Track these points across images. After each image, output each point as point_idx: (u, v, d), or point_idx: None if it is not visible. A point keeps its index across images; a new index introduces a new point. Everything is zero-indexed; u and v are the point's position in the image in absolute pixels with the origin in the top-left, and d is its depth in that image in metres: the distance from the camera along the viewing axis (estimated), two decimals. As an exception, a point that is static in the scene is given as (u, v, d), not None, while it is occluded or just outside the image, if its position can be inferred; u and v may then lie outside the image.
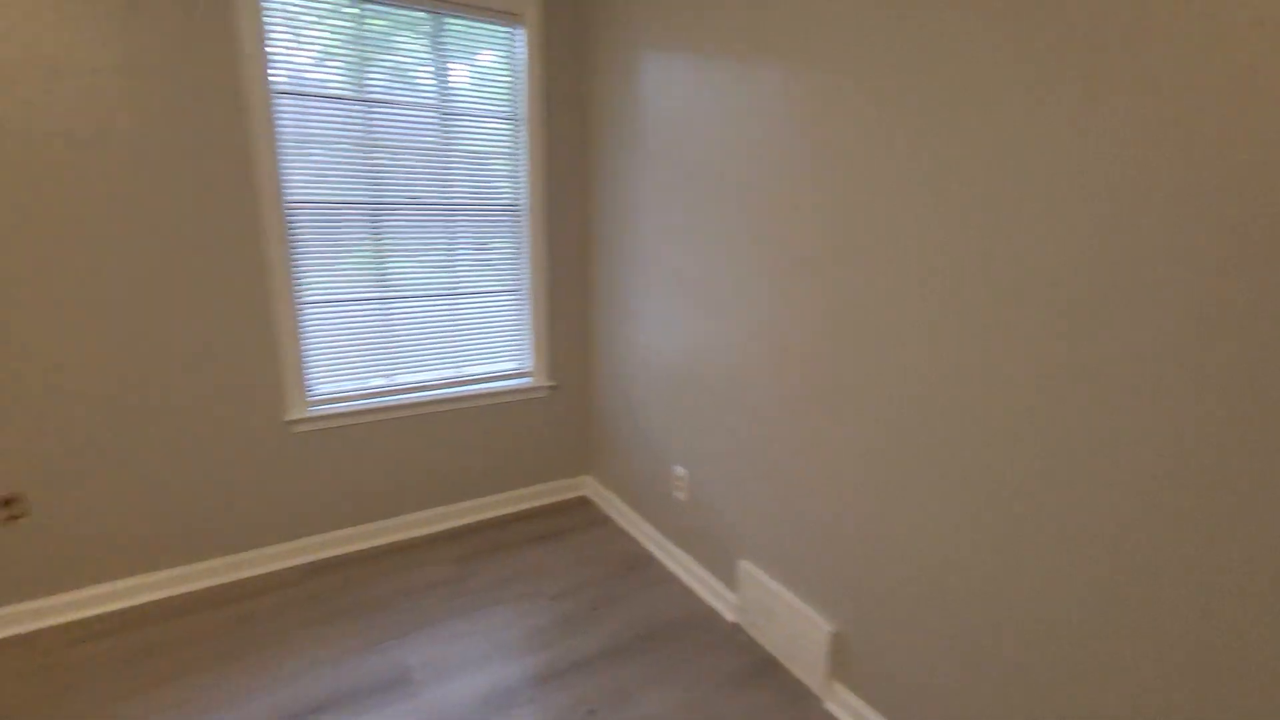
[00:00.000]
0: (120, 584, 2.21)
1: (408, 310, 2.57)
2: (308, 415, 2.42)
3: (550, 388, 2.94)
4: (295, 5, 2.16)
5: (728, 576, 2.24)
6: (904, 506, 1.59)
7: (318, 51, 2.23)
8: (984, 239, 1.34)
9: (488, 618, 2.21)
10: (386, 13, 2.31)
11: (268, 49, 2.13)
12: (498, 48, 2.53)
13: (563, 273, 2.85)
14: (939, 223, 1.42)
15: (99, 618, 2.16)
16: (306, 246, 2.34)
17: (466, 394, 2.72)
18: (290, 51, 2.18)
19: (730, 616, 2.23)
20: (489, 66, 2.54)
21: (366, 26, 2.28)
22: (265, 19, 2.11)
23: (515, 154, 2.66)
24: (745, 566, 2.12)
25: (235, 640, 2.07)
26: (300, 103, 2.22)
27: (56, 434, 2.04)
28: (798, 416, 1.86)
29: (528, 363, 2.88)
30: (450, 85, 2.47)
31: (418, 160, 2.47)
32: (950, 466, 1.47)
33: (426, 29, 2.38)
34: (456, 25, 2.43)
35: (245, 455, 2.34)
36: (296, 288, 2.34)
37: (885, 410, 1.60)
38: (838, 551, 1.79)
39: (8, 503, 2.03)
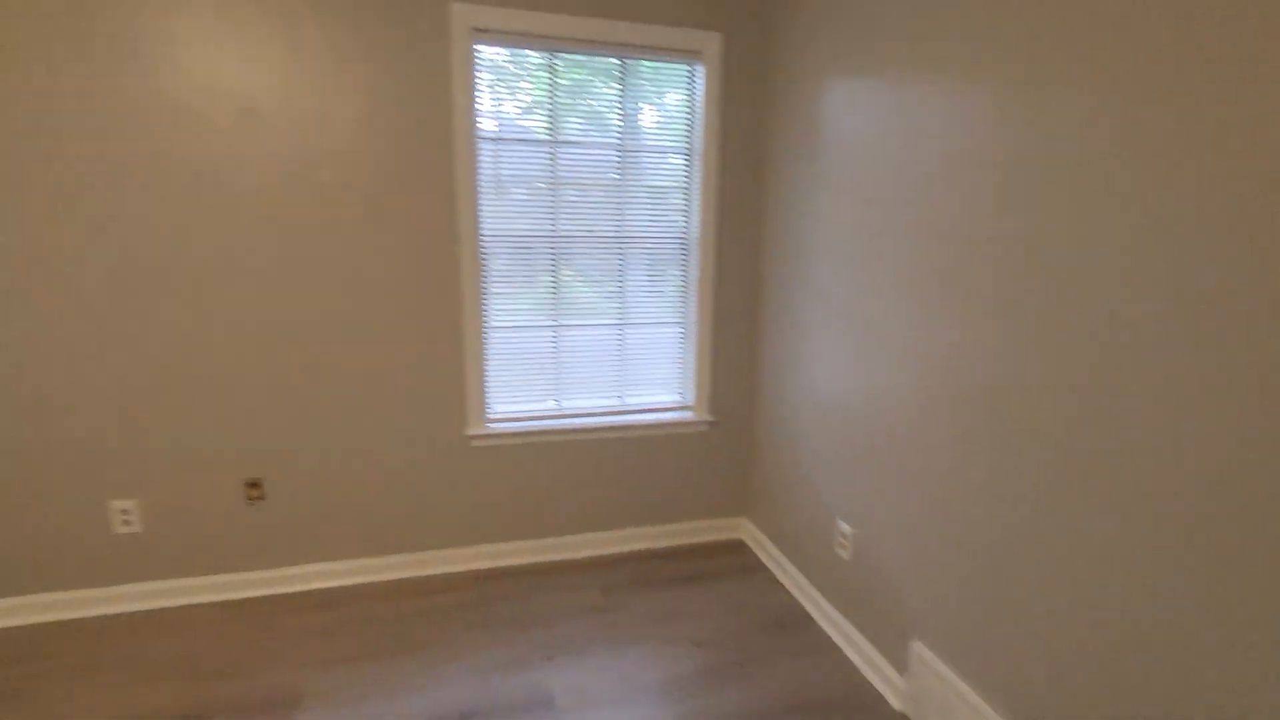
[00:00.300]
0: (326, 566, 2.54)
1: (579, 338, 2.68)
2: (485, 432, 2.60)
3: (710, 423, 2.87)
4: (500, 60, 2.40)
5: (896, 656, 1.97)
6: (1147, 608, 1.26)
7: (516, 100, 2.45)
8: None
9: (631, 654, 2.17)
10: (579, 61, 2.47)
11: (476, 101, 2.38)
12: (677, 85, 2.59)
13: (729, 306, 2.79)
14: (1189, 251, 1.12)
15: (307, 593, 2.49)
16: (494, 276, 2.54)
17: (628, 423, 2.75)
18: (492, 101, 2.42)
19: (896, 703, 1.95)
20: (668, 104, 2.60)
21: (559, 75, 2.46)
22: (475, 74, 2.36)
23: (689, 187, 2.68)
24: (919, 649, 1.84)
25: (406, 633, 2.25)
26: (498, 146, 2.45)
27: (289, 432, 2.41)
28: (993, 481, 1.59)
29: (689, 396, 2.85)
30: (631, 124, 2.57)
31: (597, 196, 2.59)
32: (1218, 549, 1.13)
33: (614, 73, 2.51)
34: (641, 67, 2.53)
35: (430, 463, 2.58)
36: (484, 314, 2.55)
37: (1113, 477, 1.29)
38: (1045, 654, 1.48)
39: (254, 485, 2.44)
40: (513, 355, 2.63)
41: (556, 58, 2.44)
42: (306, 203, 2.27)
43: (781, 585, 2.61)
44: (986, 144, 1.56)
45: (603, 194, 2.59)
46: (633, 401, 2.81)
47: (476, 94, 2.38)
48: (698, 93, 2.59)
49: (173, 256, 2.19)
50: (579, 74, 2.49)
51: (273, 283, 2.30)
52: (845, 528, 2.21)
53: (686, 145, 2.64)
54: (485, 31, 2.33)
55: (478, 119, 2.40)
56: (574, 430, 2.70)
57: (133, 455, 2.28)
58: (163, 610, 2.36)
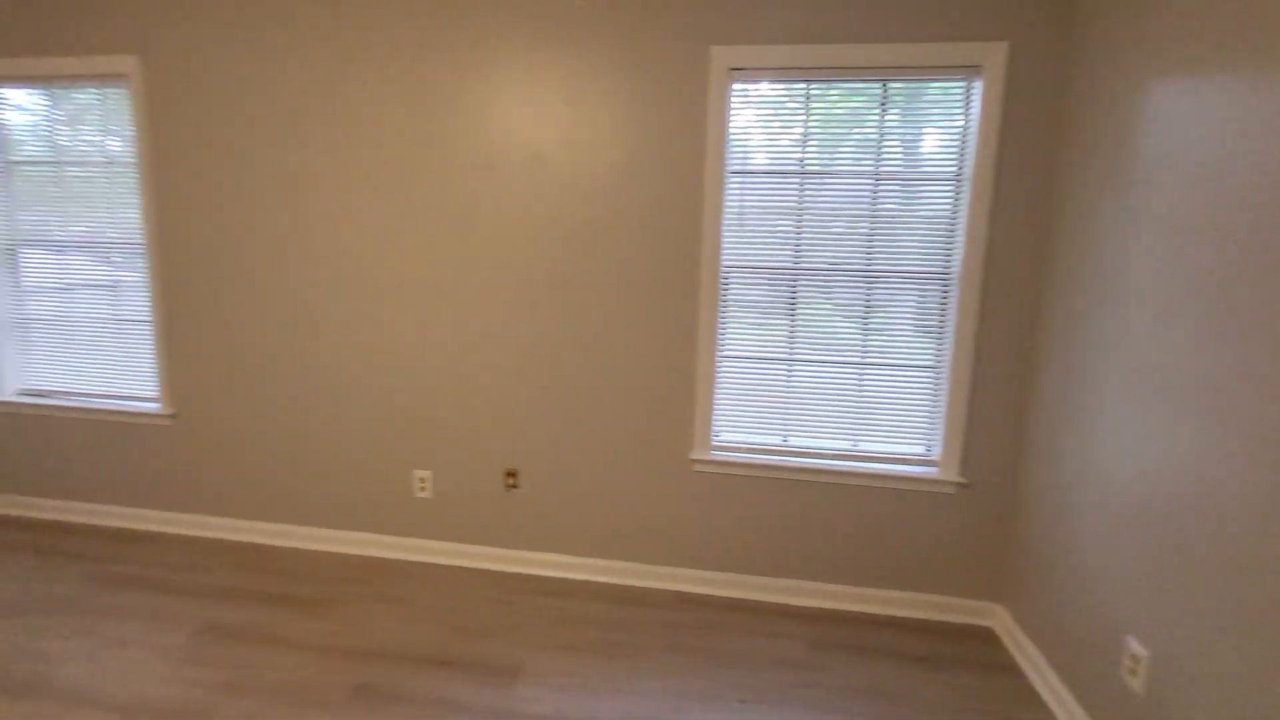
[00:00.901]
0: (558, 557, 2.81)
1: (813, 374, 2.56)
2: (709, 458, 2.63)
3: (960, 485, 2.49)
4: (756, 97, 2.44)
5: (1203, 842, 1.45)
6: None
7: (768, 133, 2.46)
8: None
9: (832, 725, 1.97)
10: (835, 88, 2.39)
11: (728, 136, 2.45)
12: (948, 105, 2.34)
13: (995, 354, 2.40)
14: None
15: (540, 577, 2.78)
16: (731, 305, 2.58)
17: (859, 470, 2.53)
18: (743, 137, 2.47)
19: None
20: (934, 126, 2.36)
21: (813, 102, 2.41)
22: (729, 111, 2.44)
23: (954, 217, 2.39)
24: (1240, 843, 1.33)
25: (613, 636, 2.37)
26: (745, 180, 2.49)
27: (542, 433, 2.74)
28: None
29: (936, 451, 2.51)
30: (890, 151, 2.39)
31: (844, 227, 2.46)
32: None
33: (873, 98, 2.37)
34: (905, 89, 2.35)
35: (654, 480, 2.70)
36: (719, 342, 2.60)
37: None
38: None
39: (511, 474, 2.82)
40: (744, 385, 2.62)
41: (813, 86, 2.40)
42: (574, 234, 2.59)
43: (1040, 699, 2.12)
44: None
45: (849, 225, 2.45)
46: (868, 448, 2.58)
47: (729, 130, 2.46)
48: (973, 112, 2.31)
49: (471, 276, 2.68)
50: (834, 101, 2.41)
51: (542, 301, 2.65)
52: (1137, 648, 1.71)
53: (955, 170, 2.36)
54: (742, 70, 2.40)
55: (729, 153, 2.47)
56: (800, 470, 2.58)
57: (431, 435, 2.82)
58: (435, 566, 2.85)
